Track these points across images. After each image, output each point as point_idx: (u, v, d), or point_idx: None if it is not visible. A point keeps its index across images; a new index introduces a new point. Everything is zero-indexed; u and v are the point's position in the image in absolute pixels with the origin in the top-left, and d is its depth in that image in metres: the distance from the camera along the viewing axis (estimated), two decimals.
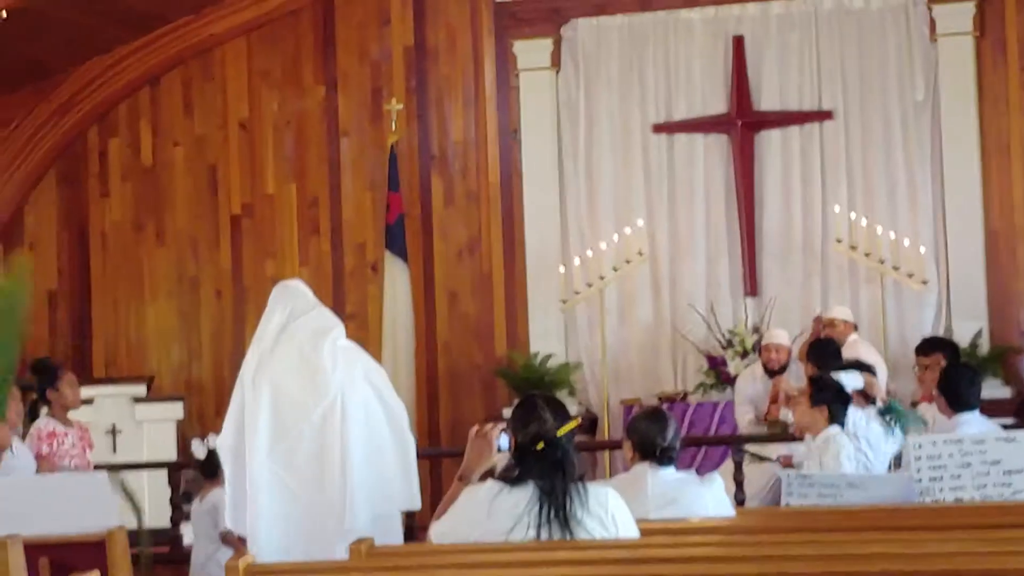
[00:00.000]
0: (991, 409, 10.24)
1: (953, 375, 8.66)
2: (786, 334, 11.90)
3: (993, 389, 12.21)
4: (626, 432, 6.69)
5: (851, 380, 9.15)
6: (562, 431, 5.30)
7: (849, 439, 8.53)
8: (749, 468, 10.65)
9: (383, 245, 13.65)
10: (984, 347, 12.82)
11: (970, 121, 13.21)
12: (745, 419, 11.56)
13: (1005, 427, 9.72)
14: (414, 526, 9.87)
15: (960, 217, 13.20)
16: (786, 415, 10.76)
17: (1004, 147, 13.17)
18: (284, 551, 6.49)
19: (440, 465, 13.00)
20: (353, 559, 5.04)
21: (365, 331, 13.47)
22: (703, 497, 6.36)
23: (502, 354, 13.69)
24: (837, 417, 8.52)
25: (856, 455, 8.51)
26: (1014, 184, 13.17)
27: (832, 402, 8.55)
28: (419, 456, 9.36)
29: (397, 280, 13.49)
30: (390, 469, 6.91)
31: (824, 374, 9.08)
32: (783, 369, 11.56)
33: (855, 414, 8.92)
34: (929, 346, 9.95)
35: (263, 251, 14.17)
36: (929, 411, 9.18)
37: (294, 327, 6.93)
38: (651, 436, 6.44)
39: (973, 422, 8.36)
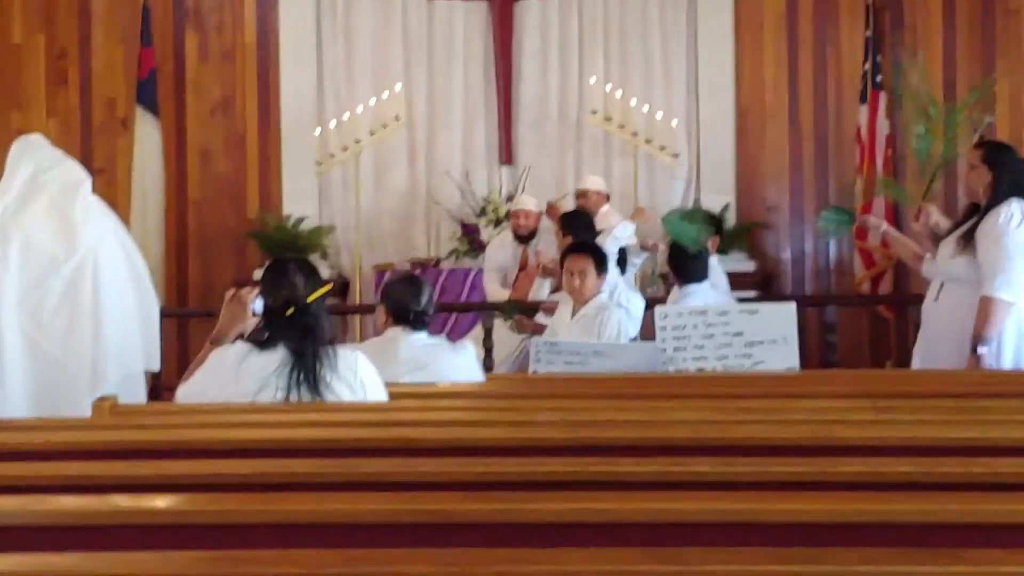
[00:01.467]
0: (736, 282, 10.54)
1: (680, 250, 8.91)
2: (535, 201, 11.99)
3: (738, 263, 12.50)
4: (380, 296, 6.67)
5: (624, 232, 9.38)
6: (312, 297, 5.27)
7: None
8: (499, 334, 10.72)
9: (134, 100, 13.31)
10: (731, 221, 13.08)
11: None
12: (493, 286, 11.65)
13: (748, 299, 10.02)
14: (159, 386, 9.74)
15: (712, 92, 13.39)
16: (542, 285, 10.85)
17: (757, 25, 13.36)
18: (31, 406, 6.37)
19: (188, 326, 12.83)
20: (96, 416, 4.96)
21: (114, 187, 13.15)
22: (454, 362, 6.41)
23: (255, 216, 13.50)
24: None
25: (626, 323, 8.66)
26: (765, 62, 13.38)
27: (608, 271, 8.70)
28: (167, 316, 9.23)
29: (148, 136, 13.18)
30: (135, 328, 6.83)
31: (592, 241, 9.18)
32: (532, 235, 11.65)
33: (620, 282, 9.07)
34: None
35: (9, 101, 13.69)
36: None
37: (44, 179, 6.77)
38: (405, 301, 6.45)
39: (699, 292, 8.66)
